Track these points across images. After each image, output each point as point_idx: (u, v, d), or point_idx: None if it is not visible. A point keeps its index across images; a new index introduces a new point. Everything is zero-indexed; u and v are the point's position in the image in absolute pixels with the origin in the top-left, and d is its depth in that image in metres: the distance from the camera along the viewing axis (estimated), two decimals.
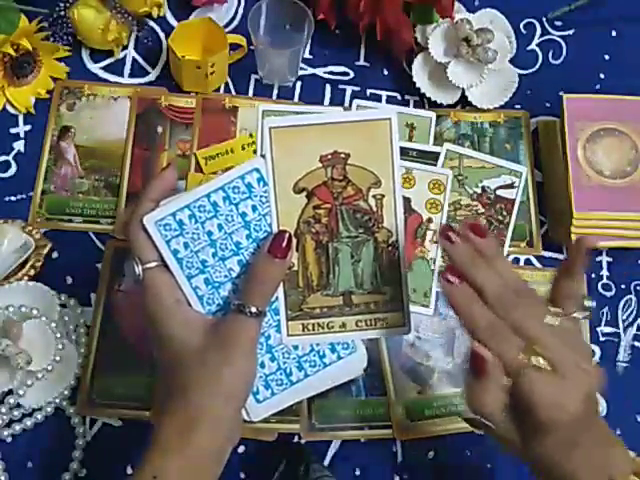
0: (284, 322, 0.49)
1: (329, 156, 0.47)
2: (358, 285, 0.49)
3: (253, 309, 0.45)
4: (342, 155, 0.48)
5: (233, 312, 0.46)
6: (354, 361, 0.50)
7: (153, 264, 0.46)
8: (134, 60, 0.73)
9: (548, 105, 0.75)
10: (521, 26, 0.79)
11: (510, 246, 0.69)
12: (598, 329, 0.68)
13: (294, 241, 0.47)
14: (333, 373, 0.50)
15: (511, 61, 0.74)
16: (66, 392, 0.60)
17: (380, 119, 0.47)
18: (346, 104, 0.73)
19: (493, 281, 0.44)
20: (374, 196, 0.48)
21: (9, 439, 0.59)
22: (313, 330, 0.49)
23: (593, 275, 0.70)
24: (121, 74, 0.73)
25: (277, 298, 0.49)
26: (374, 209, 0.48)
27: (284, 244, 0.46)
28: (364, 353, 0.51)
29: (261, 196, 0.48)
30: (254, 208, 0.48)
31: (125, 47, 0.73)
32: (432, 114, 0.72)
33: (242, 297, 0.46)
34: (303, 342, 0.49)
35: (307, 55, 0.75)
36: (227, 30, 0.74)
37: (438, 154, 0.71)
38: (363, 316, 0.49)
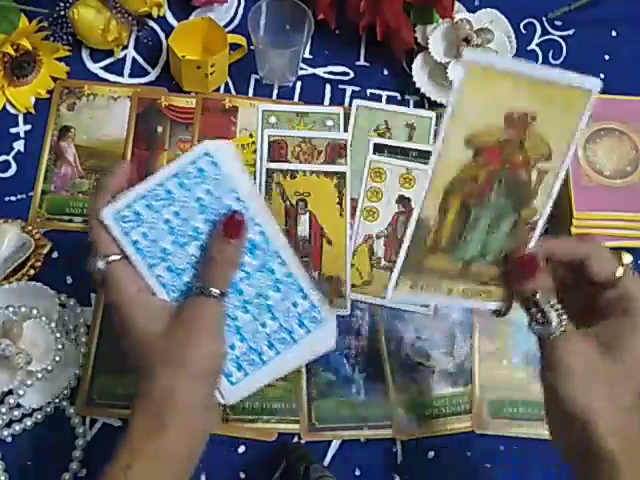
0: (395, 276, 0.46)
1: (516, 115, 0.42)
2: (481, 255, 0.46)
3: (213, 290, 0.46)
4: (530, 117, 0.42)
5: (194, 295, 0.46)
6: (324, 334, 0.50)
7: (115, 257, 0.47)
8: (134, 60, 0.73)
9: None
10: (521, 26, 0.79)
11: None
12: None
13: (247, 219, 0.47)
14: (304, 348, 0.50)
15: None
16: (66, 392, 0.60)
17: (583, 90, 0.43)
18: (346, 104, 0.73)
19: None
20: (539, 169, 0.44)
21: (9, 439, 0.59)
22: (422, 289, 0.46)
23: None
24: (121, 74, 0.73)
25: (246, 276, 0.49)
26: (533, 183, 0.45)
27: (237, 224, 0.47)
28: (333, 326, 0.50)
29: (214, 179, 0.48)
30: (208, 192, 0.48)
31: (125, 47, 0.73)
32: (432, 114, 0.72)
33: (202, 280, 0.47)
34: (404, 299, 0.49)
35: (307, 55, 0.75)
36: (227, 30, 0.74)
37: None
38: (471, 285, 0.47)
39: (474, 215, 0.44)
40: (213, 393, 0.48)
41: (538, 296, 0.45)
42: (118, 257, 0.47)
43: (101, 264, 0.47)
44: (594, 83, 0.42)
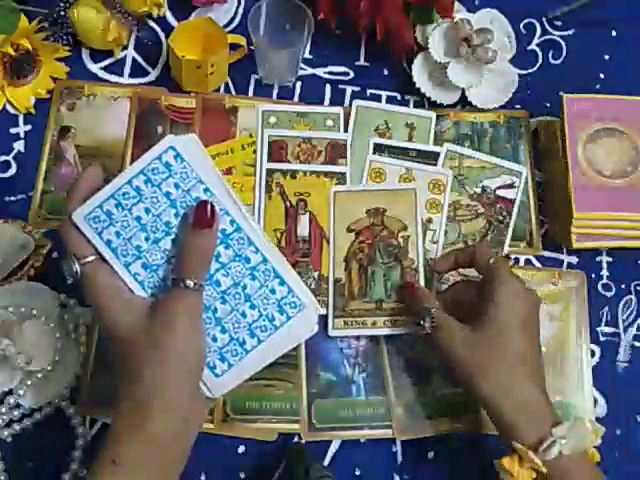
0: (331, 319, 0.64)
1: (372, 210, 0.67)
2: (387, 296, 0.65)
3: (189, 282, 0.46)
4: (381, 209, 0.67)
5: (171, 289, 0.47)
6: (304, 319, 0.50)
7: (90, 258, 0.47)
8: (134, 60, 0.73)
9: (548, 105, 0.75)
10: (521, 26, 0.79)
11: (510, 246, 0.69)
12: (598, 329, 0.68)
13: (217, 208, 0.48)
14: (286, 334, 0.50)
15: (511, 61, 0.74)
16: (66, 392, 0.60)
17: (408, 189, 0.68)
18: (346, 104, 0.73)
19: None
20: (402, 237, 0.66)
21: (9, 439, 0.59)
22: (352, 326, 0.64)
23: (593, 275, 0.70)
24: (121, 74, 0.73)
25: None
26: (402, 245, 0.66)
27: (208, 214, 0.47)
28: (314, 310, 0.51)
29: (181, 173, 0.48)
30: (176, 186, 0.48)
31: (125, 47, 0.73)
32: (432, 114, 0.72)
33: (177, 272, 0.47)
34: (342, 334, 0.63)
35: (307, 55, 0.75)
36: (227, 30, 0.74)
37: (438, 154, 0.71)
38: (389, 318, 0.64)
39: (370, 271, 0.66)
40: (198, 385, 0.48)
41: (419, 307, 0.59)
42: (93, 258, 0.48)
43: (77, 266, 0.47)
44: (412, 185, 0.69)
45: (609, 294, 0.69)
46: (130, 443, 0.44)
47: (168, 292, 0.47)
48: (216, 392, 0.50)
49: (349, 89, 0.74)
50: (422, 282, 0.65)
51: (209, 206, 0.47)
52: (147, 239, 0.48)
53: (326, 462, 0.61)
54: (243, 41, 0.71)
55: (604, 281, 0.70)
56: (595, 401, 0.65)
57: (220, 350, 0.50)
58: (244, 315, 0.50)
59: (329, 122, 0.71)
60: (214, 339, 0.49)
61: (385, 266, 0.65)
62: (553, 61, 0.78)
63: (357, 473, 0.61)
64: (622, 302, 0.69)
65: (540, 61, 0.78)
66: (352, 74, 0.75)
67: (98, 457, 0.45)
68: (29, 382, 0.58)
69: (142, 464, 0.44)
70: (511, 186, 0.70)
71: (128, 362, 0.46)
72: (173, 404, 0.45)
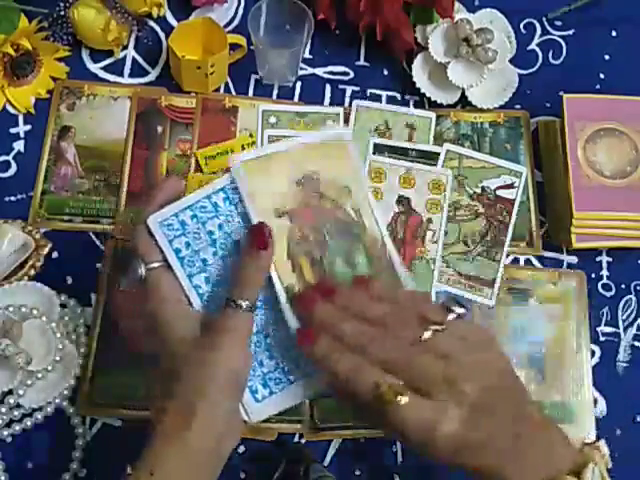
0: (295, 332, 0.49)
1: (302, 179, 0.51)
2: None
3: (241, 302, 0.46)
4: (312, 176, 0.51)
5: (225, 307, 0.47)
6: None
7: (157, 264, 0.48)
8: (134, 60, 0.73)
9: (548, 105, 0.75)
10: (521, 26, 0.79)
11: (510, 246, 0.69)
12: (598, 329, 0.68)
13: (274, 230, 0.48)
14: None
15: (511, 61, 0.74)
16: (66, 392, 0.60)
17: (338, 140, 0.52)
18: (346, 104, 0.73)
19: (348, 325, 0.45)
20: (352, 208, 0.51)
21: (9, 439, 0.59)
22: None
23: (593, 275, 0.70)
24: (121, 74, 0.73)
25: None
26: (355, 219, 0.51)
27: (266, 236, 0.47)
28: None
29: None
30: None
31: (125, 47, 0.73)
32: (432, 114, 0.72)
33: (230, 292, 0.47)
34: None
35: (307, 55, 0.75)
36: (227, 30, 0.74)
37: (438, 154, 0.70)
38: None
39: (326, 262, 0.50)
40: (236, 405, 0.48)
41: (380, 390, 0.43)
42: (159, 264, 0.48)
43: (142, 270, 0.48)
44: (348, 133, 0.53)
45: (609, 294, 0.69)
46: (168, 456, 0.44)
47: (221, 310, 0.47)
48: (254, 417, 0.49)
49: (349, 89, 0.74)
50: (395, 254, 0.52)
51: (266, 228, 0.47)
52: (215, 254, 0.49)
53: (326, 462, 0.61)
54: (243, 41, 0.71)
55: (604, 281, 0.70)
56: (595, 401, 0.65)
57: (264, 375, 0.49)
58: (294, 345, 0.49)
59: (329, 122, 0.71)
60: (260, 363, 0.49)
61: (344, 251, 0.51)
62: (553, 61, 0.78)
63: (357, 473, 0.61)
64: (622, 302, 0.69)
65: (540, 61, 0.78)
66: (352, 74, 0.75)
67: (135, 468, 0.45)
68: (29, 382, 0.58)
69: (177, 477, 0.44)
70: (511, 186, 0.70)
71: (174, 368, 0.46)
72: (209, 421, 0.45)
